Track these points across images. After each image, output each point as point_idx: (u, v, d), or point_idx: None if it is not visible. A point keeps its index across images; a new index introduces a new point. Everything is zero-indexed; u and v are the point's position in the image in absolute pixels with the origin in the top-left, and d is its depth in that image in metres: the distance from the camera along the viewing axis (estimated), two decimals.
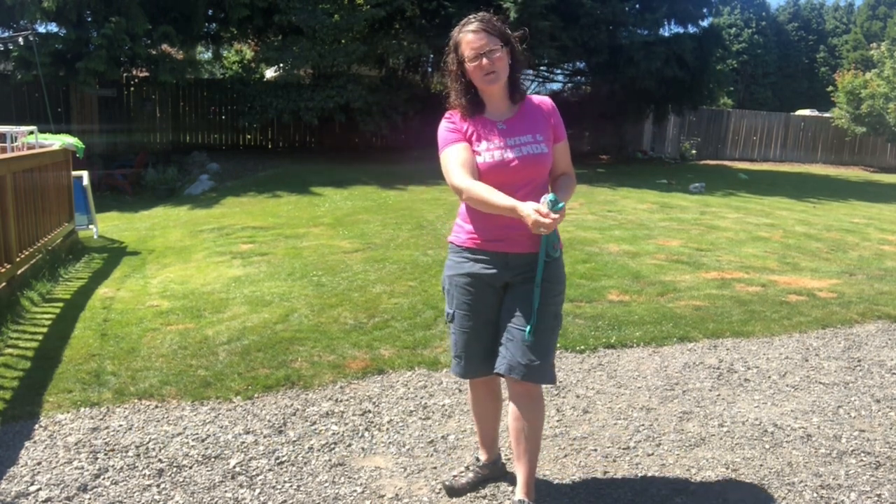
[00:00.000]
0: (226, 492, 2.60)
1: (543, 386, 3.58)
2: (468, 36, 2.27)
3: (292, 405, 3.34)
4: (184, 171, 13.29)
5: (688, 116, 20.27)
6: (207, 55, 16.99)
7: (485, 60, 2.24)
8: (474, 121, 2.35)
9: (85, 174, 7.83)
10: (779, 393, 3.61)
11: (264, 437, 3.03)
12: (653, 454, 2.93)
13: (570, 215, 9.03)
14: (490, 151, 2.30)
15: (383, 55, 14.82)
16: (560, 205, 2.13)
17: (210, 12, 14.22)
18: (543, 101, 2.40)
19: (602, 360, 4.02)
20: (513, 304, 2.35)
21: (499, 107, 2.36)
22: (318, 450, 2.92)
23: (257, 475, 2.72)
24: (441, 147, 2.36)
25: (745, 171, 17.43)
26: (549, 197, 2.14)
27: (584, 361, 3.99)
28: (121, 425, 3.10)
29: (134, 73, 14.80)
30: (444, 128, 2.38)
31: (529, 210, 2.07)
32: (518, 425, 2.38)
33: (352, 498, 2.58)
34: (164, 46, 13.90)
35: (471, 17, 2.33)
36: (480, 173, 2.29)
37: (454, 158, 2.30)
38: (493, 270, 2.37)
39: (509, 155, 2.29)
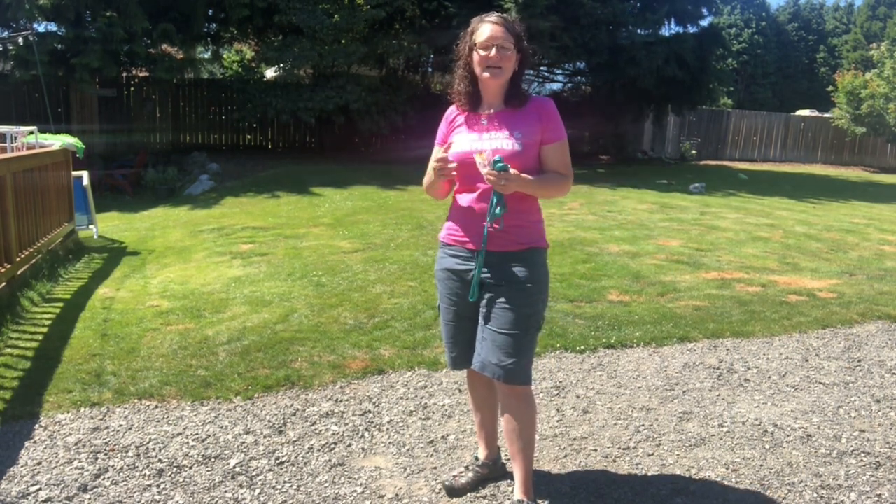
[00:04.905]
0: (226, 492, 2.60)
1: (544, 386, 3.60)
2: (486, 25, 2.30)
3: (292, 405, 3.34)
4: (184, 171, 13.27)
5: (688, 116, 20.26)
6: (207, 55, 16.98)
7: (493, 52, 2.27)
8: (466, 112, 2.43)
9: (85, 174, 7.83)
10: (779, 393, 3.61)
11: (264, 437, 3.03)
12: (653, 454, 2.93)
13: (570, 215, 9.03)
14: (462, 143, 2.37)
15: (383, 55, 14.82)
16: (500, 165, 2.19)
17: (210, 12, 14.21)
18: (544, 101, 2.40)
19: (602, 360, 4.02)
20: (487, 305, 2.37)
21: (493, 103, 2.39)
22: (318, 450, 2.92)
23: (257, 475, 2.72)
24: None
25: (745, 172, 17.43)
26: (496, 157, 2.21)
27: (584, 361, 3.99)
28: (121, 425, 3.10)
29: (134, 72, 14.79)
30: (441, 123, 2.53)
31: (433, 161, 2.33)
32: (510, 426, 2.41)
33: (352, 498, 2.58)
34: (164, 46, 13.90)
35: (493, 11, 2.40)
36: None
37: (430, 160, 2.50)
38: (465, 266, 2.42)
39: (478, 147, 2.33)
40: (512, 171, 2.21)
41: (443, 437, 3.05)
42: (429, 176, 2.47)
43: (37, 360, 3.84)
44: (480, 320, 2.40)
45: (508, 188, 2.23)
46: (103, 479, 2.68)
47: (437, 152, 2.52)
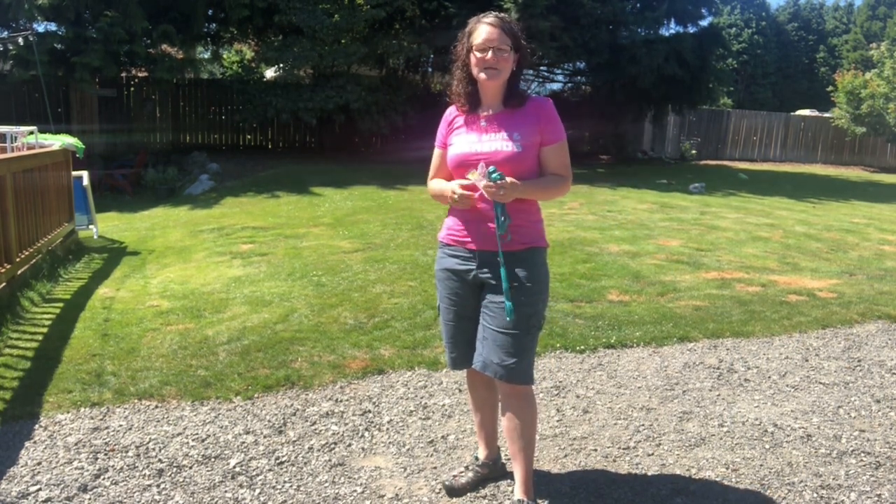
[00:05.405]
0: (226, 492, 2.60)
1: (544, 386, 3.60)
2: (483, 26, 2.30)
3: (292, 405, 3.34)
4: (184, 171, 13.28)
5: (688, 116, 20.27)
6: (207, 55, 16.99)
7: (490, 55, 2.27)
8: (465, 113, 2.43)
9: (85, 174, 7.83)
10: (779, 393, 3.61)
11: (264, 437, 3.03)
12: (653, 454, 2.93)
13: (570, 215, 9.03)
14: (462, 145, 2.38)
15: (383, 55, 14.82)
16: (495, 175, 2.18)
17: (210, 12, 14.22)
18: (542, 102, 2.39)
19: (602, 360, 4.02)
20: (488, 304, 2.37)
21: (492, 104, 2.39)
22: (318, 450, 2.93)
23: (257, 475, 2.72)
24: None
25: (745, 171, 17.43)
26: (490, 167, 2.21)
27: (584, 361, 3.99)
28: (121, 425, 3.10)
29: (134, 72, 14.80)
30: (441, 125, 2.52)
31: (454, 186, 2.29)
32: (510, 425, 2.42)
33: (352, 498, 2.58)
34: (164, 46, 13.91)
35: (491, 11, 2.40)
36: (450, 166, 2.42)
37: (432, 163, 2.54)
38: (465, 266, 2.42)
39: (477, 149, 2.33)
40: (508, 179, 2.20)
41: (443, 437, 3.05)
42: (440, 187, 2.45)
43: (37, 360, 3.84)
44: (481, 320, 2.40)
45: (507, 197, 2.22)
46: (103, 479, 2.68)
47: (436, 156, 2.52)
